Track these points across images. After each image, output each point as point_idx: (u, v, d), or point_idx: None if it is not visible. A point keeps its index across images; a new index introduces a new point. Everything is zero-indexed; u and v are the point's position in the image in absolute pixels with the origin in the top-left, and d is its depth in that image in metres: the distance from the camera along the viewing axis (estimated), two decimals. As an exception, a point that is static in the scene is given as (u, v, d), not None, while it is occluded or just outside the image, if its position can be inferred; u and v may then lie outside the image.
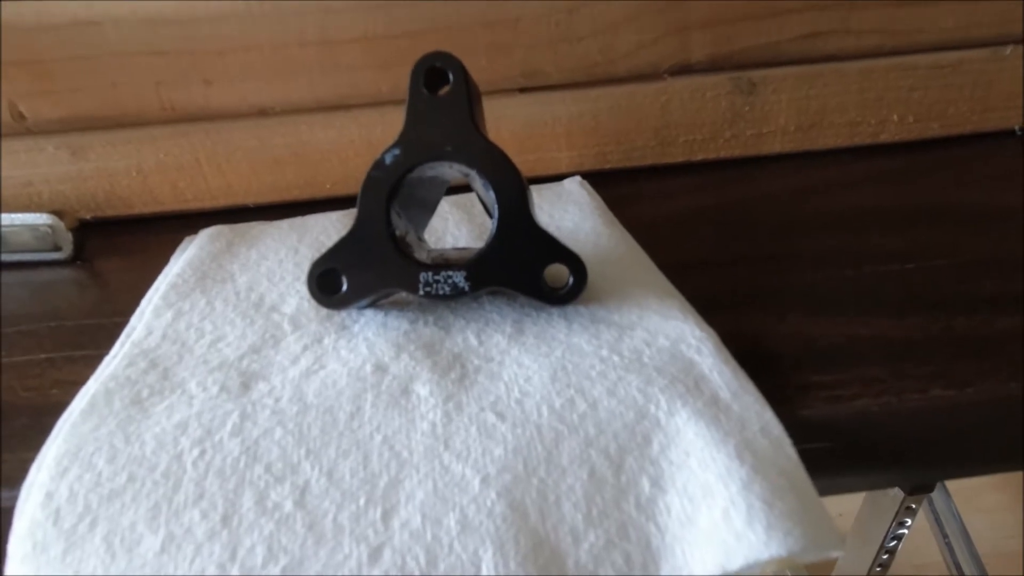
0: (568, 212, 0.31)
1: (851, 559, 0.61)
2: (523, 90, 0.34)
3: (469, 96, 0.21)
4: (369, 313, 0.23)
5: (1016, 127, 0.38)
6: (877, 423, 0.18)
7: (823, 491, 0.16)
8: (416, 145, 0.21)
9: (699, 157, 0.37)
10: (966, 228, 0.28)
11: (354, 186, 0.35)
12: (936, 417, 0.18)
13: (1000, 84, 0.37)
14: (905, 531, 0.59)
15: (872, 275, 0.25)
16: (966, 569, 0.57)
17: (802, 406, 0.18)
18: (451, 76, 0.21)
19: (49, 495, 0.16)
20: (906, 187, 0.34)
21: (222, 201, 0.35)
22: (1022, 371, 0.19)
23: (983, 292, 0.23)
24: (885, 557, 0.59)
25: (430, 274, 0.21)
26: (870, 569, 0.59)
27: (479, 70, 0.32)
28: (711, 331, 0.20)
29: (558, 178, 0.35)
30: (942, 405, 0.18)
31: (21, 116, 0.31)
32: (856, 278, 0.25)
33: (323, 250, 0.29)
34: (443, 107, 0.21)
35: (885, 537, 0.59)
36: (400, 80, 0.33)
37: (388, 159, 0.21)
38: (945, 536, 0.62)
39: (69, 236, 0.31)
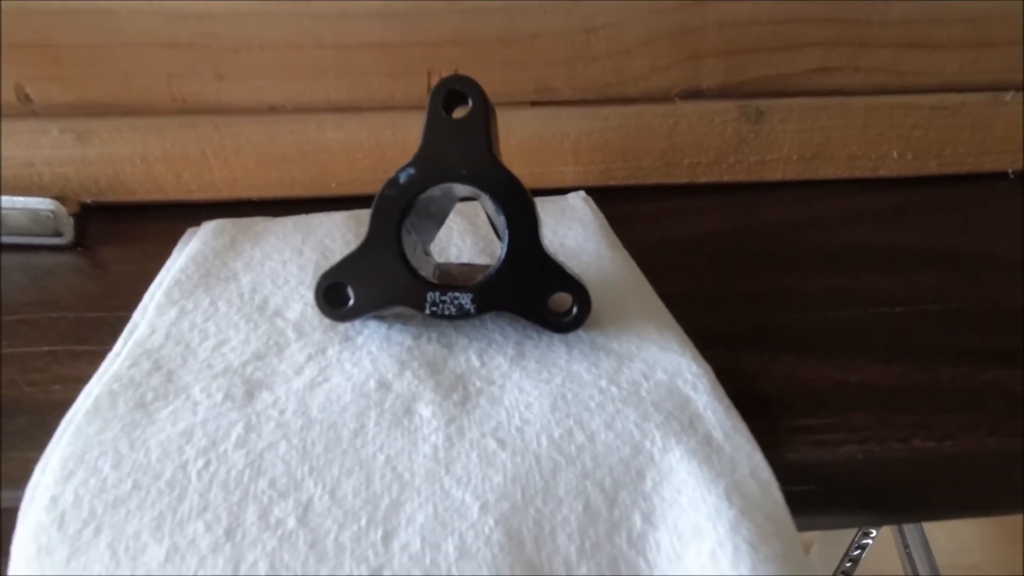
0: (572, 230, 0.31)
1: (817, 565, 0.63)
2: (534, 104, 0.35)
3: (487, 121, 0.21)
4: (373, 324, 0.23)
5: (1009, 170, 0.39)
6: (861, 470, 0.19)
7: (804, 527, 0.17)
8: (431, 166, 0.21)
9: (703, 179, 0.38)
10: (956, 273, 0.29)
11: (360, 187, 0.36)
12: (916, 467, 0.19)
13: (998, 128, 0.38)
14: (870, 541, 0.61)
15: (863, 317, 0.25)
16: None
17: (790, 449, 0.19)
18: (470, 100, 0.21)
19: (54, 499, 0.16)
20: (901, 224, 0.34)
21: (225, 193, 0.35)
22: (1000, 426, 0.19)
23: (967, 343, 0.24)
24: (848, 565, 0.61)
25: (437, 294, 0.21)
26: (834, 575, 0.61)
27: (493, 83, 0.32)
28: (707, 367, 0.21)
29: (563, 191, 0.35)
30: (922, 456, 0.19)
31: (27, 98, 0.31)
32: (848, 319, 0.25)
33: (327, 253, 0.30)
34: (460, 130, 0.21)
35: (850, 546, 0.61)
36: (412, 88, 0.33)
37: (402, 178, 0.21)
38: (907, 546, 0.64)
39: (71, 221, 0.31)
